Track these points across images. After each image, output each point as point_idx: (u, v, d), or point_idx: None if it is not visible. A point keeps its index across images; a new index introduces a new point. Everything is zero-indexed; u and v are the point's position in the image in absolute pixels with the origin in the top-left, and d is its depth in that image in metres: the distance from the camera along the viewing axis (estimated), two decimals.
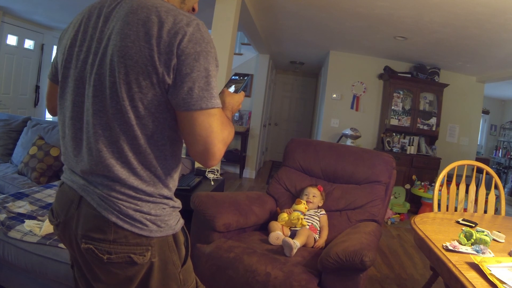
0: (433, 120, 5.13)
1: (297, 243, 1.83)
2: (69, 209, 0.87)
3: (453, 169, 2.29)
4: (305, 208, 2.14)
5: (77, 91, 0.86)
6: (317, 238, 2.08)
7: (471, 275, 1.13)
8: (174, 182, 0.92)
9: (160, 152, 0.84)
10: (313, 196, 2.18)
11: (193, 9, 1.00)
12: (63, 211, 0.89)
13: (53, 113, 1.07)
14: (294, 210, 2.12)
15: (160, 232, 0.86)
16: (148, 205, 0.85)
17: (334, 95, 5.46)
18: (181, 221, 0.94)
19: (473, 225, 1.71)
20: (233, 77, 1.06)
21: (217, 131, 0.79)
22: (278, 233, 1.98)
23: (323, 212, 2.17)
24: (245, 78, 1.05)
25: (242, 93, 1.01)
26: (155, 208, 0.86)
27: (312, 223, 2.08)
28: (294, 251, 1.79)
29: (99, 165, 0.82)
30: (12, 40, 5.05)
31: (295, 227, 2.05)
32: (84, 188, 0.85)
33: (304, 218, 2.08)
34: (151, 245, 0.85)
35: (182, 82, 0.76)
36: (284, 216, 2.08)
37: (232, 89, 1.01)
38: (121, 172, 0.81)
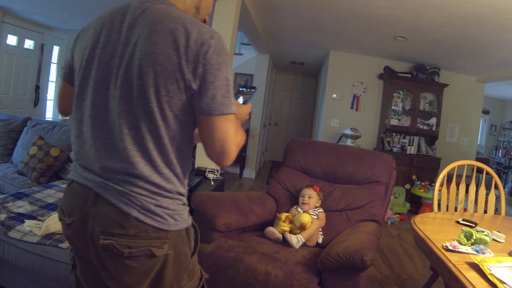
0: (433, 120, 5.13)
1: (301, 238, 1.94)
2: (83, 207, 0.90)
3: (453, 169, 2.29)
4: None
5: (97, 91, 0.90)
6: (321, 238, 2.08)
7: (471, 275, 1.13)
8: (187, 181, 0.99)
9: (180, 152, 0.91)
10: (309, 198, 2.18)
11: (204, 21, 1.05)
12: (76, 210, 0.91)
13: (65, 112, 1.10)
14: (292, 222, 2.05)
15: (176, 226, 0.92)
16: (167, 200, 0.90)
17: (334, 95, 5.46)
18: (190, 217, 1.00)
19: (473, 225, 1.71)
20: (241, 89, 1.13)
21: (232, 135, 0.87)
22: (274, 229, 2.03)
23: (321, 210, 2.17)
24: (252, 90, 1.14)
25: (249, 104, 1.10)
26: (173, 204, 0.92)
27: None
28: (299, 245, 1.94)
29: (123, 162, 0.86)
30: (12, 40, 5.05)
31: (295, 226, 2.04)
32: (102, 185, 0.88)
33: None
34: (168, 238, 0.90)
35: (206, 89, 0.84)
36: (284, 227, 2.01)
37: (240, 100, 1.09)
38: (145, 169, 0.87)
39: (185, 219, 0.95)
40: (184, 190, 0.95)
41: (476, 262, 1.19)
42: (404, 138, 5.17)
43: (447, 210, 2.25)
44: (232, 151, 0.88)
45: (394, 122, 5.13)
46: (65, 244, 1.69)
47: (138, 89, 0.84)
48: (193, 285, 1.00)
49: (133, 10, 0.89)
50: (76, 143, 0.96)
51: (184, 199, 0.96)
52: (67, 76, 1.03)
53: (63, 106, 1.09)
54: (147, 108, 0.84)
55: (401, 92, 5.15)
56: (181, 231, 0.94)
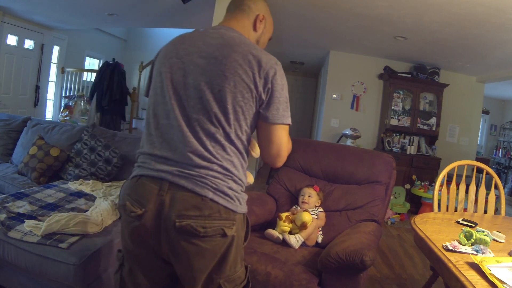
0: (433, 120, 5.13)
1: (300, 237, 1.95)
2: (157, 196, 1.02)
3: (453, 169, 2.29)
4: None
5: (173, 91, 1.08)
6: (320, 237, 2.08)
7: (471, 275, 1.13)
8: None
9: (243, 146, 1.10)
10: (309, 197, 2.18)
11: None
12: (149, 200, 1.03)
13: None
14: (293, 222, 2.04)
15: (241, 209, 1.08)
16: (234, 184, 1.07)
17: (334, 95, 5.46)
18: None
19: (473, 225, 1.71)
20: None
21: (286, 142, 1.13)
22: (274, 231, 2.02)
23: (321, 209, 2.17)
24: None
25: None
26: (238, 188, 1.08)
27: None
28: (298, 245, 1.94)
29: (199, 147, 1.03)
30: (12, 40, 5.04)
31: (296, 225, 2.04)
32: (176, 173, 1.02)
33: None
34: (235, 220, 1.05)
35: (273, 102, 1.07)
36: (284, 227, 2.01)
37: None
38: (219, 157, 1.04)
39: (245, 205, 1.11)
40: (245, 179, 1.11)
41: (476, 262, 1.19)
42: (404, 138, 5.16)
43: (447, 210, 2.25)
44: (285, 155, 1.13)
45: (394, 122, 5.13)
46: (65, 244, 1.69)
47: (217, 93, 1.03)
48: (243, 270, 1.14)
49: (211, 34, 1.12)
50: (155, 134, 1.09)
51: (244, 187, 1.12)
52: (147, 92, 1.20)
53: None
54: (222, 109, 1.03)
55: (401, 92, 5.15)
56: (242, 216, 1.09)
